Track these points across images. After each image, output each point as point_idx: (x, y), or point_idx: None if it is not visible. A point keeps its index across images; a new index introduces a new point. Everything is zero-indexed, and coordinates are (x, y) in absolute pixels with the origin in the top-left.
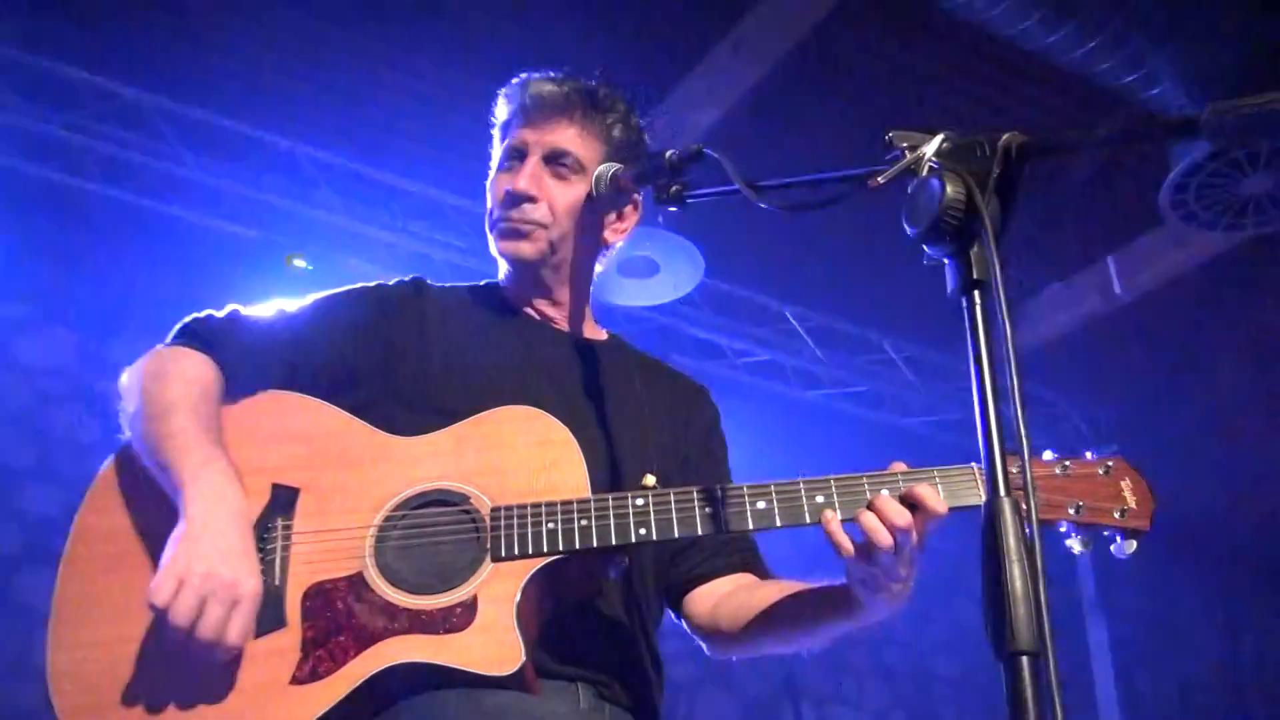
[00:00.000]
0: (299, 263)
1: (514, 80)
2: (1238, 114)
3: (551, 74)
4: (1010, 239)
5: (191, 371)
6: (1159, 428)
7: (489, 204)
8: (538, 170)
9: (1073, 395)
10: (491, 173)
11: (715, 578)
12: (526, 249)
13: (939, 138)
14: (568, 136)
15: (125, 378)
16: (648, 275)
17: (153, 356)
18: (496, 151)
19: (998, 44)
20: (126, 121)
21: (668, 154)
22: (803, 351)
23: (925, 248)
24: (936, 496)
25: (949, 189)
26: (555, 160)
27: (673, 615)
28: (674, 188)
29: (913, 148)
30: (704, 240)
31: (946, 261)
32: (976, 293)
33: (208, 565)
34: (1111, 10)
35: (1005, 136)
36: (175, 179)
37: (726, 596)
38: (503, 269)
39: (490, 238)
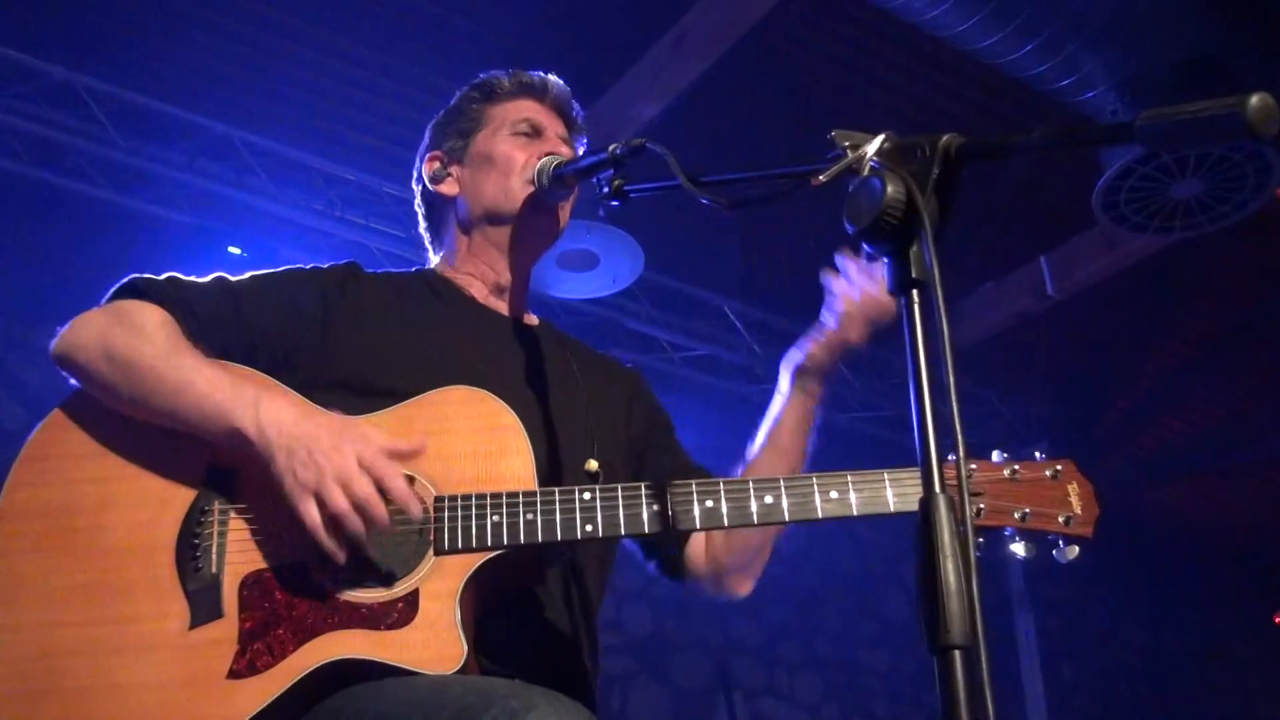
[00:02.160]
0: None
1: (499, 70)
2: (1170, 121)
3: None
4: (947, 238)
5: (159, 318)
6: (1088, 424)
7: (503, 164)
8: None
9: (1004, 392)
10: (482, 138)
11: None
12: (563, 225)
13: (880, 138)
14: (568, 131)
15: (73, 336)
16: (587, 268)
17: (106, 311)
18: (489, 120)
19: (937, 44)
20: (56, 102)
21: (611, 148)
22: (740, 346)
23: (865, 246)
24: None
25: (889, 189)
26: (564, 146)
27: (666, 579)
28: (615, 181)
29: (854, 147)
30: (644, 234)
31: (885, 260)
32: (915, 291)
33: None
34: (1048, 15)
35: (945, 138)
36: (106, 162)
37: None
38: (436, 256)
39: (520, 204)
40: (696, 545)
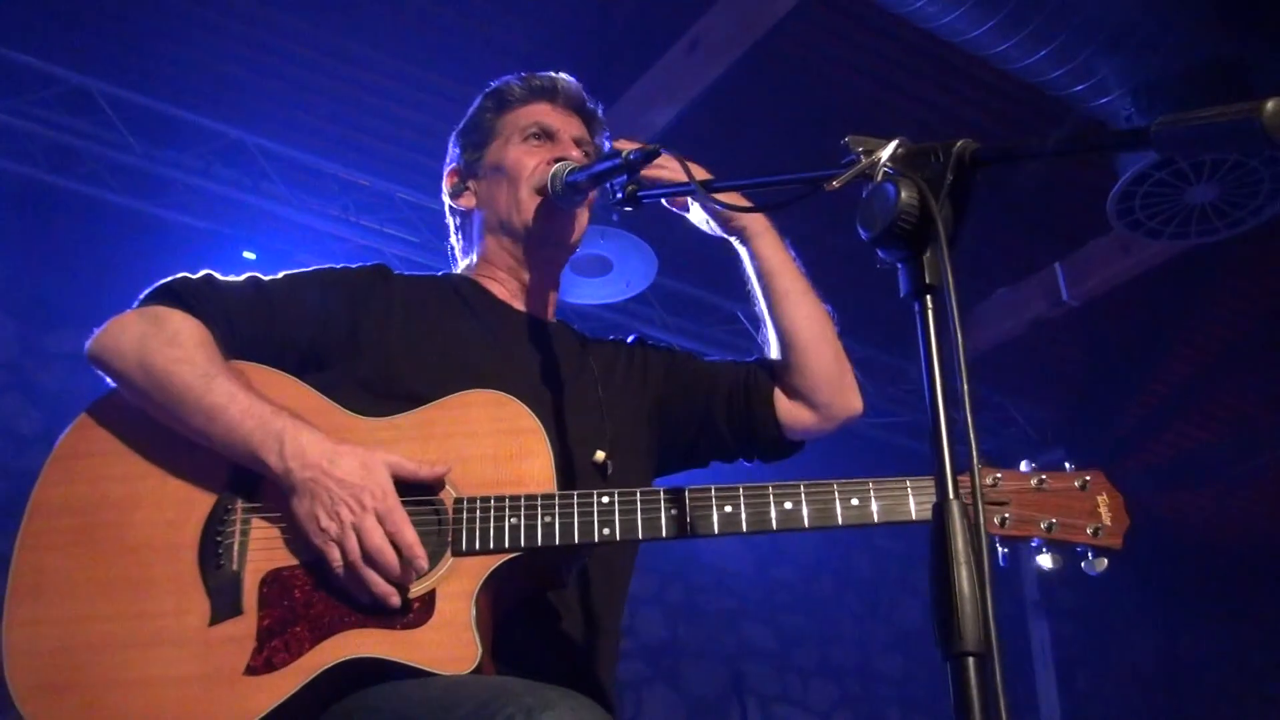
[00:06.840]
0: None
1: (510, 76)
2: (1185, 127)
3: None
4: (962, 244)
5: (197, 334)
6: (1103, 431)
7: (513, 171)
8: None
9: (1019, 398)
10: (494, 149)
11: (761, 377)
12: (579, 231)
13: (894, 143)
14: (584, 131)
15: (109, 340)
16: (601, 273)
17: (143, 316)
18: (501, 129)
19: (950, 49)
20: (72, 107)
21: (625, 153)
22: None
23: (879, 252)
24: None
25: (903, 194)
26: (578, 146)
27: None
28: (629, 187)
29: (868, 152)
30: (657, 239)
31: (899, 266)
32: (929, 297)
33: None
34: (1061, 20)
35: (959, 144)
36: (122, 167)
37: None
38: (462, 263)
39: (531, 212)
40: (790, 414)
